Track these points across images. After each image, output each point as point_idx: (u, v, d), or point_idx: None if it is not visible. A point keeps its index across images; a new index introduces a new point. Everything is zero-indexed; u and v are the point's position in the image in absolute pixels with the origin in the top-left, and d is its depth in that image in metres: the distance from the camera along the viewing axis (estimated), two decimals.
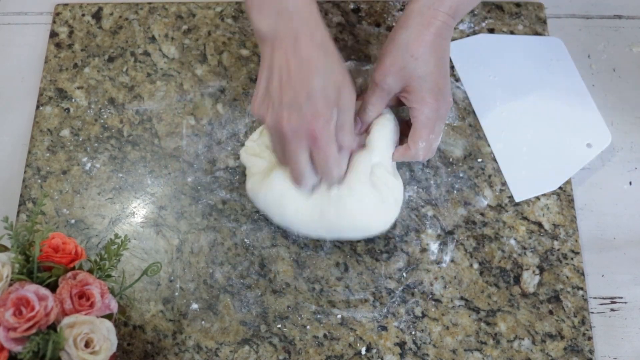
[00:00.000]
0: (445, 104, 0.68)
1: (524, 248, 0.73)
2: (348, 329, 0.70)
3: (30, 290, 0.53)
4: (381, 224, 0.70)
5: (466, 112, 0.80)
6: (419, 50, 0.66)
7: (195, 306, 0.71)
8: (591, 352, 0.69)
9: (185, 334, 0.70)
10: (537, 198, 0.76)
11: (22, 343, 0.52)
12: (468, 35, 0.84)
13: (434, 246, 0.73)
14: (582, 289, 0.72)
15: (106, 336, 0.55)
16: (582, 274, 0.72)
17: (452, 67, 0.82)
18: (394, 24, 0.84)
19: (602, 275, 0.74)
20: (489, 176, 0.77)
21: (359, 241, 0.73)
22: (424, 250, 0.73)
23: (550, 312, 0.71)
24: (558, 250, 0.73)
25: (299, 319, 0.70)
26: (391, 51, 0.67)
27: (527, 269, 0.72)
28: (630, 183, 0.78)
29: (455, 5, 0.66)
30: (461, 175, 0.77)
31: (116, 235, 0.60)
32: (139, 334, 0.70)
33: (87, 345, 0.53)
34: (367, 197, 0.67)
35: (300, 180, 0.66)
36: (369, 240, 0.73)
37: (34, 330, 0.52)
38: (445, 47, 0.68)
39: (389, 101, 0.70)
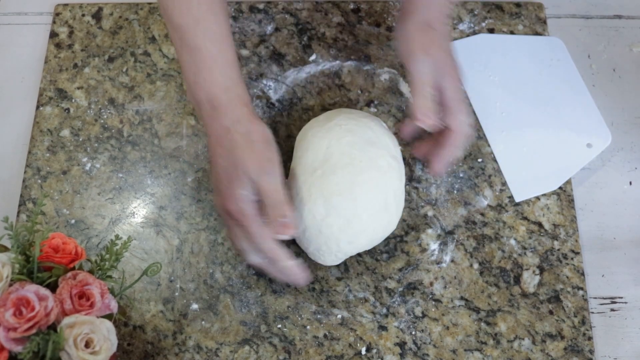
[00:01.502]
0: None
1: (524, 248, 0.73)
2: (348, 329, 0.70)
3: (31, 290, 0.53)
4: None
5: None
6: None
7: (195, 306, 0.71)
8: (591, 352, 0.69)
9: (185, 334, 0.70)
10: (537, 198, 0.76)
11: (22, 343, 0.52)
12: (468, 35, 0.84)
13: (434, 246, 0.73)
14: (582, 289, 0.72)
15: (106, 336, 0.55)
16: (582, 274, 0.72)
17: None
18: (394, 24, 0.84)
19: (602, 275, 0.74)
20: (489, 176, 0.77)
21: None
22: (424, 250, 0.73)
23: (551, 312, 0.71)
24: (558, 250, 0.73)
25: (299, 319, 0.70)
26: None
27: (527, 269, 0.72)
28: (630, 183, 0.78)
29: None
30: (461, 175, 0.77)
31: (117, 237, 0.60)
32: (139, 334, 0.70)
33: (87, 345, 0.53)
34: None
35: (243, 256, 0.67)
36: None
37: (34, 331, 0.52)
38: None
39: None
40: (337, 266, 0.72)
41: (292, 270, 0.65)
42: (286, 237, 0.63)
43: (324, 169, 0.67)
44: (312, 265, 0.72)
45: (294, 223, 0.62)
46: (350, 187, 0.66)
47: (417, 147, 0.74)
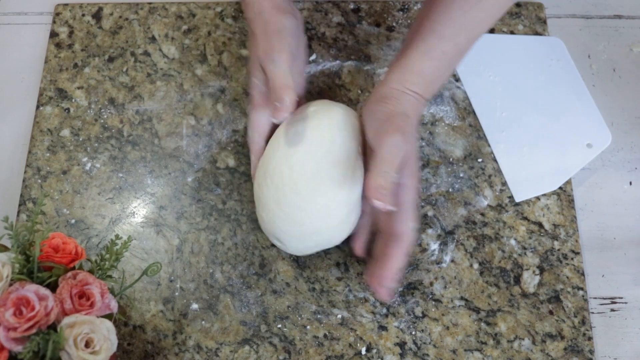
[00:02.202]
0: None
1: (524, 248, 0.73)
2: (348, 329, 0.70)
3: (31, 290, 0.53)
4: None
5: (466, 112, 0.80)
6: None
7: (195, 306, 0.71)
8: (591, 352, 0.69)
9: (185, 334, 0.70)
10: (537, 198, 0.76)
11: (22, 343, 0.52)
12: None
13: (434, 246, 0.73)
14: (582, 289, 0.72)
15: (106, 336, 0.55)
16: (582, 274, 0.72)
17: None
18: (394, 24, 0.84)
19: (603, 276, 0.74)
20: (489, 176, 0.77)
21: None
22: (424, 250, 0.73)
23: (551, 312, 0.71)
24: (558, 250, 0.73)
25: (299, 319, 0.70)
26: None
27: (527, 269, 0.72)
28: (631, 183, 0.78)
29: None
30: (461, 175, 0.77)
31: (117, 236, 0.60)
32: (139, 334, 0.70)
33: (87, 345, 0.53)
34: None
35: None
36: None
37: (34, 330, 0.52)
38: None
39: None
40: (337, 266, 0.72)
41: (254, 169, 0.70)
42: (278, 120, 0.66)
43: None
44: (312, 265, 0.72)
45: (287, 107, 0.65)
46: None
47: (369, 272, 0.67)
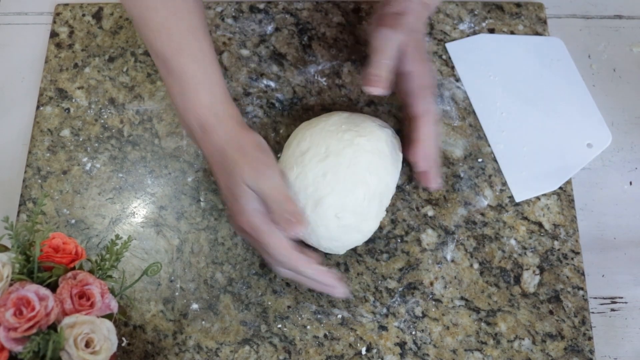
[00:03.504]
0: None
1: (524, 248, 0.73)
2: (348, 329, 0.70)
3: (31, 290, 0.53)
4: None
5: (466, 112, 0.80)
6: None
7: (195, 306, 0.71)
8: (591, 352, 0.69)
9: (185, 334, 0.70)
10: (538, 198, 0.76)
11: (22, 343, 0.52)
12: (468, 35, 0.84)
13: (434, 246, 0.73)
14: (582, 289, 0.72)
15: (106, 336, 0.55)
16: (583, 274, 0.72)
17: (452, 67, 0.82)
18: None
19: (603, 275, 0.74)
20: (489, 176, 0.77)
21: None
22: (424, 250, 0.73)
23: (551, 312, 0.71)
24: (558, 250, 0.73)
25: (299, 319, 0.70)
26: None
27: (527, 269, 0.73)
28: (631, 183, 0.78)
29: None
30: (461, 175, 0.77)
31: (117, 236, 0.60)
32: (139, 334, 0.70)
33: (87, 345, 0.53)
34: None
35: (273, 270, 0.68)
36: (369, 241, 0.73)
37: (34, 330, 0.52)
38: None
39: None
40: (337, 266, 0.72)
41: (322, 276, 0.64)
42: (297, 234, 0.62)
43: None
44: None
45: (300, 218, 0.61)
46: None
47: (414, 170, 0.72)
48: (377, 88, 0.65)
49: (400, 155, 0.72)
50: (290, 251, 0.63)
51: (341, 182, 0.65)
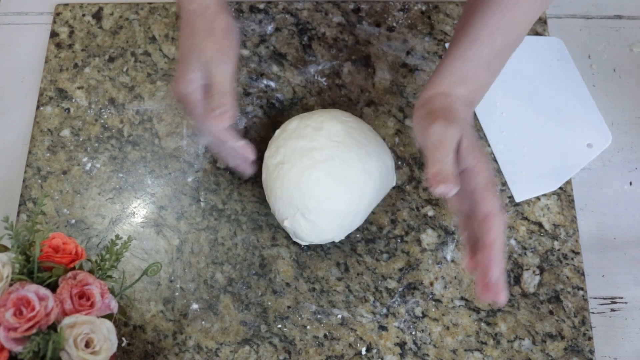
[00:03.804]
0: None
1: (524, 248, 0.73)
2: (348, 329, 0.70)
3: (31, 290, 0.53)
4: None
5: None
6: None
7: (195, 306, 0.71)
8: (591, 352, 0.69)
9: (185, 334, 0.70)
10: (538, 198, 0.76)
11: (22, 343, 0.52)
12: None
13: (434, 246, 0.73)
14: (582, 289, 0.72)
15: (106, 336, 0.55)
16: (583, 274, 0.72)
17: None
18: (394, 24, 0.84)
19: (603, 276, 0.74)
20: None
21: (359, 241, 0.73)
22: (424, 250, 0.73)
23: (551, 312, 0.71)
24: (558, 250, 0.73)
25: (299, 319, 0.70)
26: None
27: (527, 269, 0.72)
28: (631, 183, 0.78)
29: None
30: None
31: (117, 236, 0.60)
32: (139, 334, 0.70)
33: (87, 345, 0.53)
34: None
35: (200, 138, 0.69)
36: (369, 240, 0.73)
37: (34, 331, 0.52)
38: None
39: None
40: (337, 266, 0.72)
41: (242, 149, 0.68)
42: (220, 127, 0.65)
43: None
44: (312, 265, 0.72)
45: (230, 114, 0.64)
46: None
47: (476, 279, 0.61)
48: (448, 186, 0.57)
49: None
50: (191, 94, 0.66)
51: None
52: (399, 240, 0.73)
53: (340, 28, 0.84)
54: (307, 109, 0.80)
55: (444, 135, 0.59)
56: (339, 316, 0.70)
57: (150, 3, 0.86)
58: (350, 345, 0.69)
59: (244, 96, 0.80)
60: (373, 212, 0.74)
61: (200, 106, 0.65)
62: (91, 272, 0.58)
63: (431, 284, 0.72)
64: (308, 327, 0.70)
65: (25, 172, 0.77)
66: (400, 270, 0.72)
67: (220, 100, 0.63)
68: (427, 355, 0.69)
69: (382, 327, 0.70)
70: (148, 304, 0.71)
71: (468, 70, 0.63)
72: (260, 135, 0.78)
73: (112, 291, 0.59)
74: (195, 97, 0.65)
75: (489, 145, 0.78)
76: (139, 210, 0.75)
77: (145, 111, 0.80)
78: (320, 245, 0.73)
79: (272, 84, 0.81)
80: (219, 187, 0.76)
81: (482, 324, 0.70)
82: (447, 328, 0.70)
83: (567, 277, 0.72)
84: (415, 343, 0.69)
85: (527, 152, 0.78)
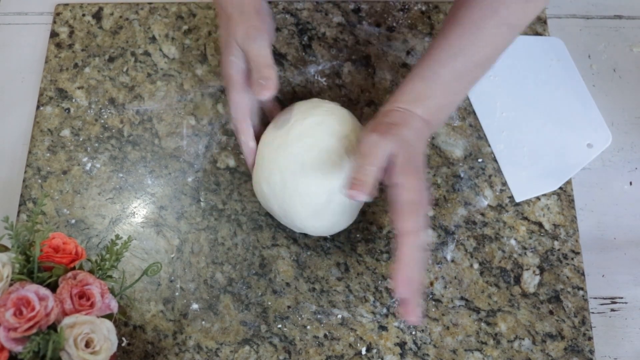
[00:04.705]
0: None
1: (524, 248, 0.73)
2: (348, 329, 0.70)
3: (31, 290, 0.53)
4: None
5: (466, 112, 0.80)
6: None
7: (195, 306, 0.71)
8: (591, 352, 0.69)
9: (185, 334, 0.70)
10: (538, 198, 0.76)
11: (22, 343, 0.52)
12: None
13: (434, 246, 0.73)
14: (582, 289, 0.72)
15: (106, 336, 0.55)
16: (583, 274, 0.72)
17: None
18: (394, 24, 0.84)
19: (603, 276, 0.74)
20: (490, 176, 0.77)
21: (359, 241, 0.73)
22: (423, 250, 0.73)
23: (551, 312, 0.71)
24: (558, 250, 0.73)
25: (299, 319, 0.70)
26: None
27: (527, 269, 0.73)
28: (631, 183, 0.78)
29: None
30: (461, 175, 0.77)
31: (117, 236, 0.60)
32: (139, 334, 0.70)
33: (87, 345, 0.53)
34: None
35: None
36: (369, 240, 0.73)
37: (34, 331, 0.52)
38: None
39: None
40: (337, 266, 0.72)
41: (246, 149, 0.71)
42: (264, 97, 0.66)
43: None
44: (312, 265, 0.72)
45: (273, 85, 0.66)
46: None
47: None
48: (359, 193, 0.59)
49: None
50: (242, 113, 0.70)
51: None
52: None
53: (341, 28, 0.84)
54: None
55: (374, 147, 0.61)
56: (339, 316, 0.70)
57: (150, 3, 0.86)
58: (350, 345, 0.69)
59: (222, 77, 0.80)
60: (373, 212, 0.74)
61: (236, 88, 0.69)
62: (91, 272, 0.58)
63: (431, 283, 0.72)
64: (308, 327, 0.70)
65: (25, 172, 0.77)
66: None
67: (260, 73, 0.66)
68: (427, 355, 0.69)
69: (382, 327, 0.70)
70: (148, 304, 0.71)
71: (425, 89, 0.65)
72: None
73: (112, 291, 0.59)
74: (234, 77, 0.68)
75: (489, 145, 0.78)
76: (139, 210, 0.75)
77: (145, 111, 0.80)
78: (321, 245, 0.73)
79: None
80: (219, 187, 0.76)
81: (482, 323, 0.70)
82: (447, 328, 0.70)
83: (567, 277, 0.72)
84: (415, 343, 0.69)
85: (527, 152, 0.78)
